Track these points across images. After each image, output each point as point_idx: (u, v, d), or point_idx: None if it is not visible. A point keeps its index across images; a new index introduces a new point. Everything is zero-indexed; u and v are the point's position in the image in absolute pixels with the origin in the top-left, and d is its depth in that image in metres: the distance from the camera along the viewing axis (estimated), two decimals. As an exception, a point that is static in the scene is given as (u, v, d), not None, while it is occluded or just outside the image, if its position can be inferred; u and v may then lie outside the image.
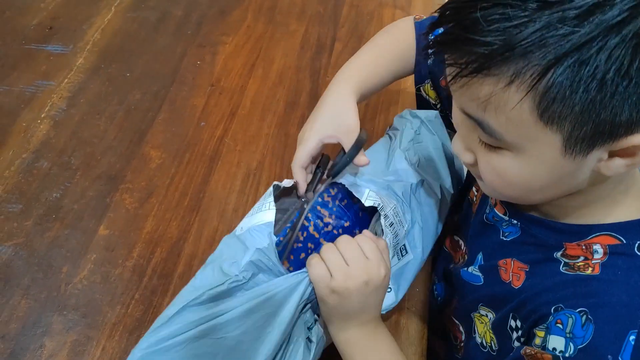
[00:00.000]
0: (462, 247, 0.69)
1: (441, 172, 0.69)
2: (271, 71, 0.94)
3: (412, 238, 0.65)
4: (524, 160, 0.46)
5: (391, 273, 0.61)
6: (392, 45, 0.73)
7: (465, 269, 0.63)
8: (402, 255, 0.65)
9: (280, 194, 0.63)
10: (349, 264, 0.55)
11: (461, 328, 0.65)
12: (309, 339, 0.56)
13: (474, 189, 0.69)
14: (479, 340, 0.59)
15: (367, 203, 0.61)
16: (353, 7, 1.06)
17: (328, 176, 0.65)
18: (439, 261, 0.72)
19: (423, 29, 0.71)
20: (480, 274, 0.61)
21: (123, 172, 0.79)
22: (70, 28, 1.00)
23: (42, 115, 0.86)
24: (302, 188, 0.64)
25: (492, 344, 0.57)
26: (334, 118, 0.63)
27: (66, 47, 0.96)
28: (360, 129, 0.63)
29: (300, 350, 0.54)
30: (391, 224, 0.62)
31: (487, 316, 0.59)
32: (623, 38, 0.37)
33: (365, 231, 0.59)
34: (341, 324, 0.57)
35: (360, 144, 0.62)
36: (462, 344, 0.65)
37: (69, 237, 0.72)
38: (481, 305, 0.59)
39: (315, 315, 0.58)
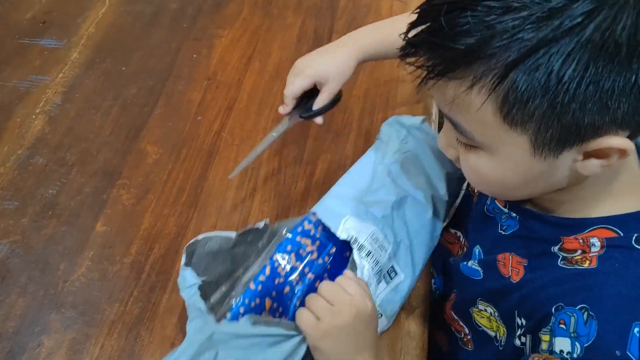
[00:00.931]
0: (461, 239, 0.68)
1: (433, 179, 0.68)
2: (268, 64, 0.93)
3: (399, 259, 0.64)
4: (496, 160, 0.47)
5: (382, 298, 0.62)
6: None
7: (465, 262, 0.62)
8: (391, 278, 0.64)
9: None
10: (334, 304, 0.54)
11: (461, 322, 0.65)
12: None
13: None
14: (492, 334, 0.59)
15: (342, 236, 0.61)
16: (350, 0, 1.05)
17: (301, 117, 0.70)
18: (436, 255, 0.72)
19: None
20: (479, 269, 0.61)
21: (119, 167, 0.78)
22: (64, 22, 0.99)
23: (37, 111, 0.85)
24: (288, 112, 0.70)
25: (503, 339, 0.57)
26: (334, 68, 0.68)
27: (60, 42, 0.95)
28: (340, 90, 0.70)
29: None
30: (368, 253, 0.62)
31: (487, 311, 0.59)
32: (578, 43, 0.38)
33: (346, 271, 0.59)
34: None
35: (335, 104, 0.70)
36: (468, 337, 0.65)
37: (65, 234, 0.71)
38: (480, 300, 0.59)
39: None
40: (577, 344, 0.46)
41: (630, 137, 0.43)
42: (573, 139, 0.42)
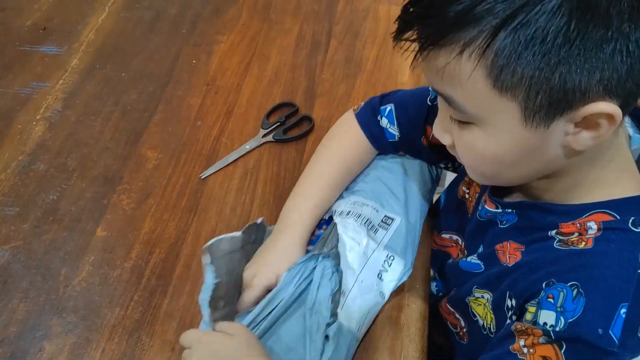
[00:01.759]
0: (460, 242, 0.69)
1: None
2: (267, 69, 0.94)
3: (390, 207, 0.70)
4: (489, 133, 0.47)
5: (387, 243, 0.67)
6: (338, 160, 0.72)
7: (465, 259, 0.63)
8: (389, 225, 0.68)
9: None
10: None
11: (457, 315, 0.65)
12: (327, 337, 0.58)
13: (463, 187, 0.69)
14: (480, 322, 0.60)
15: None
16: (348, 4, 1.05)
17: (274, 139, 0.81)
18: (435, 259, 0.73)
19: (365, 116, 0.73)
20: (479, 262, 0.61)
21: (120, 173, 0.79)
22: (64, 29, 0.99)
23: (38, 117, 0.85)
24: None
25: (492, 326, 0.58)
26: (274, 267, 0.64)
27: (61, 48, 0.96)
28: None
29: (317, 347, 0.56)
30: (348, 213, 0.68)
31: (483, 297, 0.59)
32: (561, 2, 0.39)
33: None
34: None
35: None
36: (464, 330, 0.65)
37: (66, 239, 0.72)
38: (476, 287, 0.60)
39: (333, 317, 0.59)
40: (561, 318, 0.46)
41: (622, 108, 0.44)
42: (562, 105, 0.43)
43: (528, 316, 0.49)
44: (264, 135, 0.83)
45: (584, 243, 0.49)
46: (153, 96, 0.89)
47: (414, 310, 0.66)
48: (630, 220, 0.48)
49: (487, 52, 0.42)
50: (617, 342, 0.45)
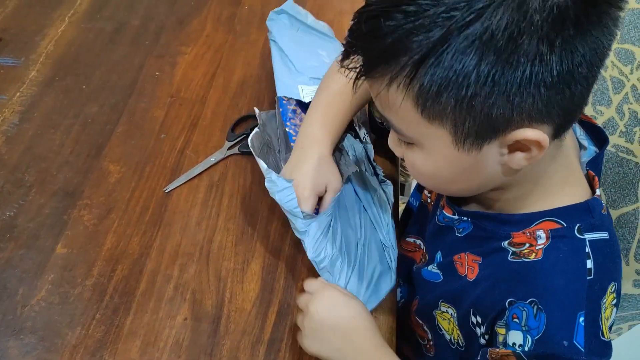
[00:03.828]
0: (422, 247, 0.70)
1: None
2: (232, 81, 0.93)
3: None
4: (427, 154, 0.50)
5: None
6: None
7: (426, 267, 0.64)
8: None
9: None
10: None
11: (425, 327, 0.66)
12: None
13: (426, 191, 0.71)
14: (447, 337, 0.61)
15: (307, 100, 0.76)
16: (313, 16, 1.06)
17: (239, 151, 0.82)
18: (401, 264, 0.73)
19: None
20: (439, 271, 0.63)
21: (81, 187, 0.77)
22: (21, 40, 0.97)
23: (-6, 131, 0.83)
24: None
25: (460, 340, 0.59)
26: (322, 176, 0.69)
27: (18, 60, 0.93)
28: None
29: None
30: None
31: (448, 312, 0.61)
32: (467, 39, 0.40)
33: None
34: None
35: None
36: (431, 343, 0.66)
37: (24, 257, 0.69)
38: (441, 301, 0.61)
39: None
40: (528, 337, 0.48)
41: (557, 131, 0.46)
42: (489, 132, 0.45)
43: (500, 338, 0.51)
44: (230, 148, 0.82)
45: (534, 254, 0.51)
46: (115, 108, 0.87)
47: (382, 321, 0.66)
48: (576, 227, 0.51)
49: (413, 84, 0.44)
50: (583, 350, 0.47)
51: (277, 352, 0.63)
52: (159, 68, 0.94)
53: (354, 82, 0.48)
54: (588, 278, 0.49)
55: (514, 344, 0.49)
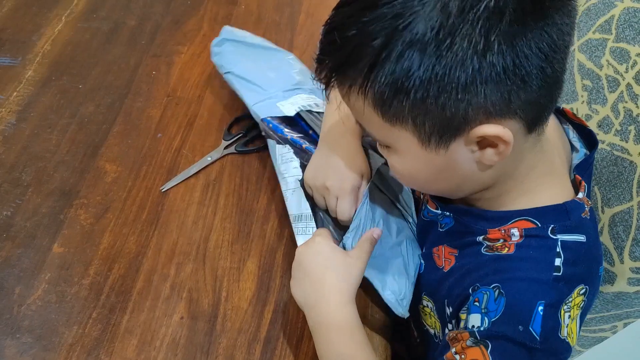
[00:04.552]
0: None
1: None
2: (229, 80, 0.93)
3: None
4: (401, 156, 0.52)
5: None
6: None
7: None
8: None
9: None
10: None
11: (412, 325, 0.67)
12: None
13: None
14: (431, 331, 0.62)
15: (291, 113, 0.77)
16: (309, 16, 1.06)
17: (236, 150, 0.82)
18: None
19: None
20: (422, 262, 0.64)
21: (77, 187, 0.77)
22: (18, 39, 0.97)
23: (-10, 131, 0.83)
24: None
25: (441, 334, 0.60)
26: (355, 167, 0.67)
27: (15, 59, 0.93)
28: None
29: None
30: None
31: (428, 306, 0.62)
32: (404, 43, 0.41)
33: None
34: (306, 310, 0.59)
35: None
36: (418, 341, 0.66)
37: (21, 257, 0.70)
38: (423, 294, 0.62)
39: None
40: (485, 318, 0.49)
41: (530, 125, 0.47)
42: (450, 130, 0.46)
43: (462, 324, 0.52)
44: (226, 147, 0.82)
45: (507, 249, 0.52)
46: (111, 108, 0.87)
47: (378, 320, 0.67)
48: (550, 228, 0.51)
49: (367, 91, 0.45)
50: (538, 338, 0.47)
51: (274, 351, 0.63)
52: (155, 67, 0.94)
53: (323, 92, 0.50)
54: (554, 274, 0.50)
55: (472, 325, 0.50)
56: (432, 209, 0.61)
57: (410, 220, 0.69)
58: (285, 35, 1.01)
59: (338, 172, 0.66)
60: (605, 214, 0.69)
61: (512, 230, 0.53)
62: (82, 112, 0.86)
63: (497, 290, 0.50)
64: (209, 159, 0.81)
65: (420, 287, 0.63)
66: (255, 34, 1.01)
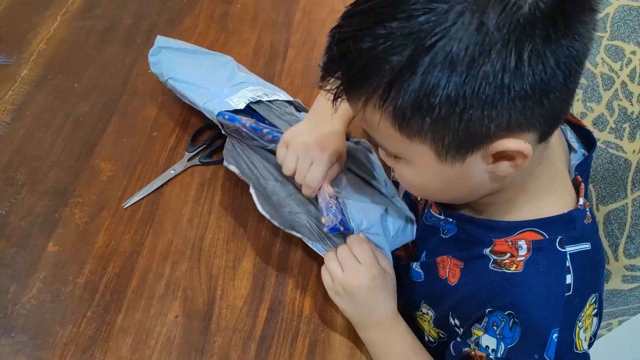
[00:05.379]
0: (410, 246, 0.71)
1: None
2: (224, 79, 0.93)
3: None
4: (413, 167, 0.50)
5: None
6: None
7: (412, 266, 0.65)
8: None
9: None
10: (361, 262, 0.61)
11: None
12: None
13: None
14: (426, 338, 0.63)
15: (241, 106, 0.76)
16: (305, 14, 1.06)
17: (200, 162, 0.81)
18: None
19: None
20: (421, 271, 0.64)
21: (72, 186, 0.77)
22: (13, 38, 0.97)
23: (-15, 130, 0.83)
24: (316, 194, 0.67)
25: (440, 335, 0.61)
26: (337, 145, 0.67)
27: (9, 58, 0.93)
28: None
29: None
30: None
31: (428, 314, 0.62)
32: (434, 61, 0.40)
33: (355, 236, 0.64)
34: (359, 325, 0.62)
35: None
36: None
37: (15, 256, 0.69)
38: (423, 302, 0.62)
39: None
40: (502, 344, 0.50)
41: (542, 136, 0.46)
42: (469, 145, 0.45)
43: (473, 337, 0.53)
44: (190, 159, 0.81)
45: (515, 266, 0.52)
46: (107, 107, 0.87)
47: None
48: (558, 240, 0.51)
49: (387, 105, 0.44)
50: None
51: (268, 349, 0.63)
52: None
53: (333, 102, 0.48)
54: (566, 294, 0.49)
55: (487, 347, 0.51)
56: (435, 214, 0.61)
57: (384, 190, 0.69)
58: (282, 34, 1.01)
59: (321, 140, 0.65)
60: (600, 211, 0.69)
61: (520, 243, 0.52)
62: (78, 111, 0.86)
63: (512, 319, 0.50)
64: (172, 172, 0.78)
65: (420, 295, 0.62)
66: (251, 33, 1.01)
